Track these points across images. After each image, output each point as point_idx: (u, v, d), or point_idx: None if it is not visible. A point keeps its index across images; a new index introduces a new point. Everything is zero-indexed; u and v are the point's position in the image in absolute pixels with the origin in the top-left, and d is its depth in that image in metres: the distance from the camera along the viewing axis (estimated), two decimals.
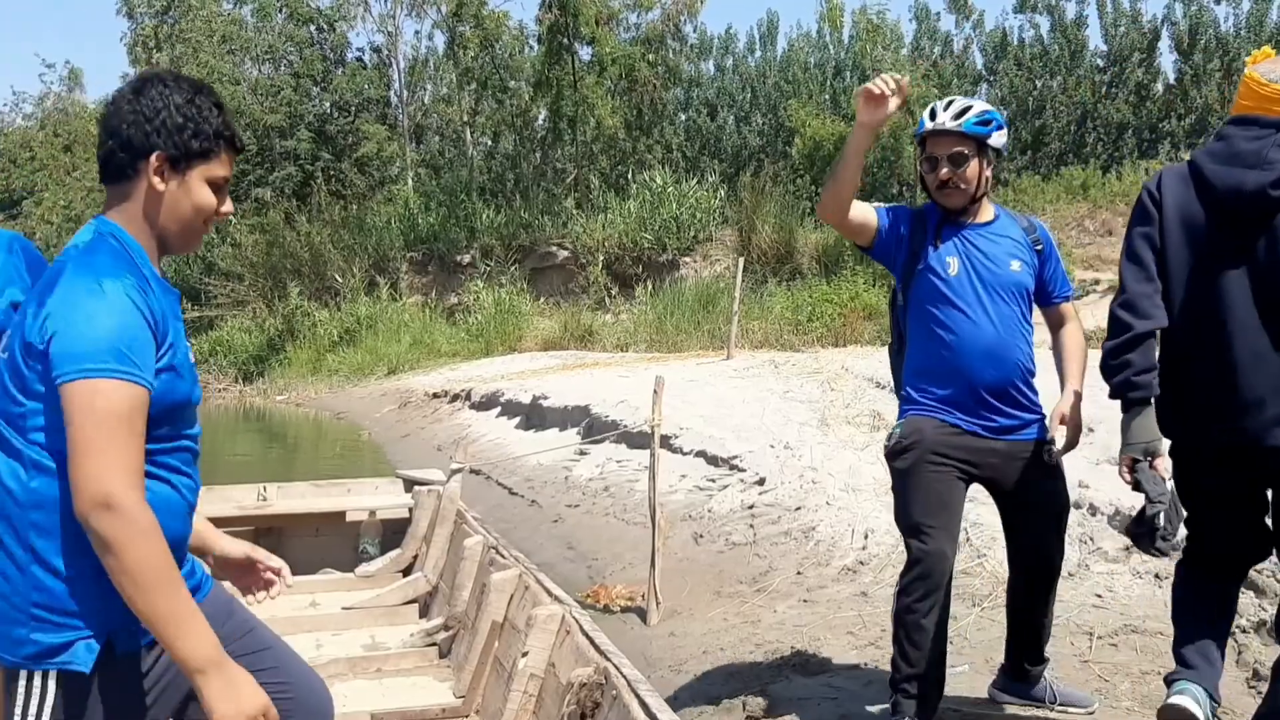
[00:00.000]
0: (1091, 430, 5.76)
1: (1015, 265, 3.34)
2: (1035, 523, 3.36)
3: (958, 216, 3.37)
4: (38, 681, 1.90)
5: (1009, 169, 21.22)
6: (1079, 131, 21.76)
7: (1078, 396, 3.35)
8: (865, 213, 3.34)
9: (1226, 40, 21.34)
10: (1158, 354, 2.87)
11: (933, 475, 3.24)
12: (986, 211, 3.42)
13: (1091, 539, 4.88)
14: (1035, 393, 3.38)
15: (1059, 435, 3.32)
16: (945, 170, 3.29)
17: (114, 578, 1.83)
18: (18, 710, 1.90)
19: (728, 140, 25.85)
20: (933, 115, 3.33)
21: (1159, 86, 22.18)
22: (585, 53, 24.37)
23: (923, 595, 3.18)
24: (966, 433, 3.28)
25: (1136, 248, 2.90)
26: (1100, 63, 22.57)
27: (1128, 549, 4.69)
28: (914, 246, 3.36)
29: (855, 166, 3.22)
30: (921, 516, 3.22)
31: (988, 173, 3.33)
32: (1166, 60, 22.53)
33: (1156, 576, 4.41)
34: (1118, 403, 2.89)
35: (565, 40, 23.77)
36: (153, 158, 2.00)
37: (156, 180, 2.02)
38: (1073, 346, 3.47)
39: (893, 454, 3.35)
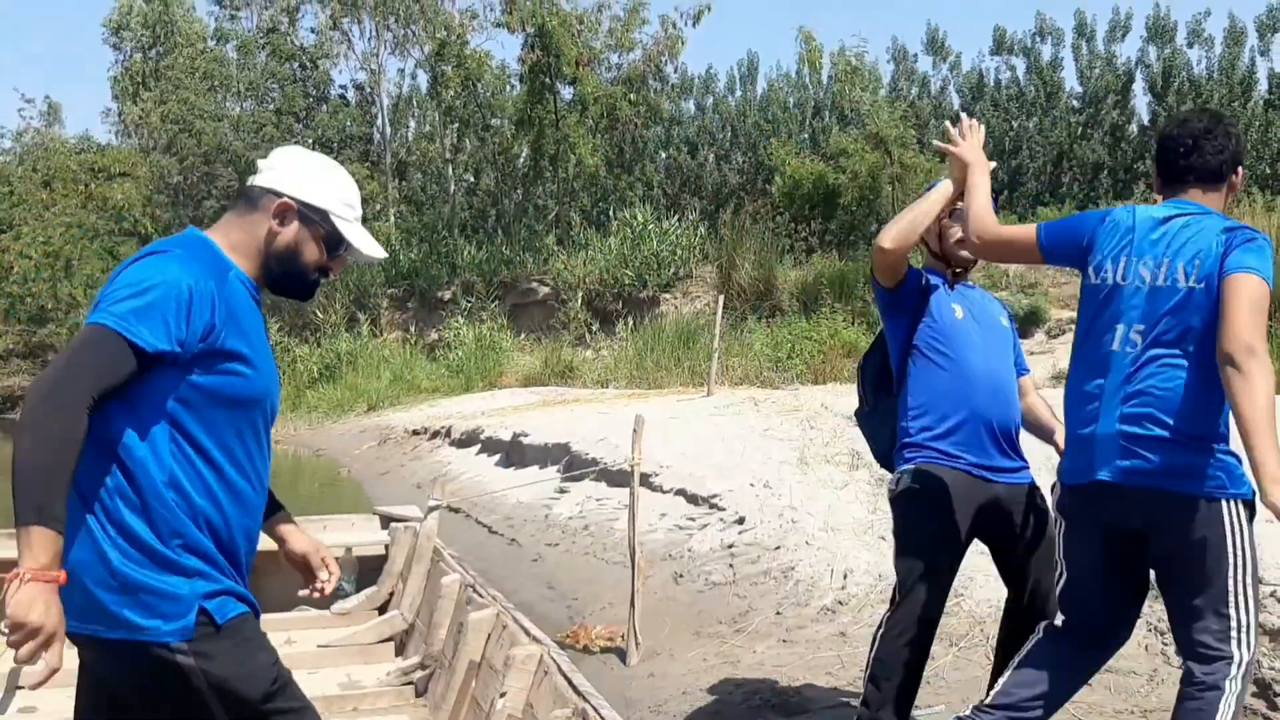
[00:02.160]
0: None
1: (1004, 322, 3.57)
2: (1038, 565, 3.39)
3: (957, 279, 3.55)
4: None
5: None
6: (1055, 171, 22.04)
7: None
8: (905, 257, 3.47)
9: (1199, 83, 21.69)
10: None
11: (937, 524, 3.28)
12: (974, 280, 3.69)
13: None
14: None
15: None
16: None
17: None
18: None
19: (708, 178, 26.02)
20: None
21: (1133, 128, 22.51)
22: (567, 92, 24.55)
23: (912, 639, 3.20)
24: (973, 478, 3.31)
25: None
26: (1076, 104, 22.91)
27: None
28: (924, 297, 3.46)
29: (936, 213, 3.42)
30: (923, 560, 3.26)
31: None
32: (1141, 102, 22.90)
33: None
34: None
35: (547, 80, 23.94)
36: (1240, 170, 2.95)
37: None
38: (1042, 408, 3.66)
39: (899, 497, 3.37)
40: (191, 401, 2.11)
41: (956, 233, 3.44)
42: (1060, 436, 3.40)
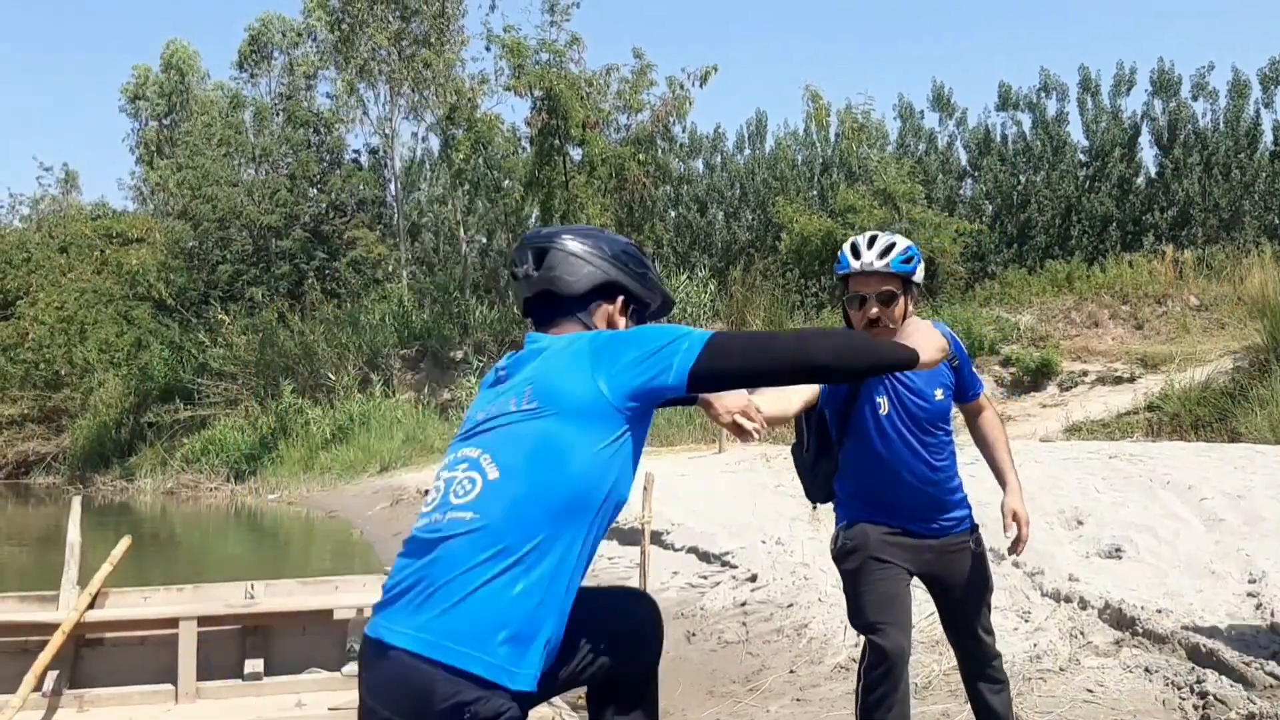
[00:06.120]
0: (1080, 524, 5.75)
1: (939, 394, 3.41)
2: (968, 606, 3.48)
3: None
4: None
5: (995, 262, 21.49)
6: (1063, 224, 22.09)
7: (1019, 488, 3.51)
8: (808, 396, 3.40)
9: (1205, 135, 21.82)
10: None
11: (880, 574, 3.33)
12: None
13: (1082, 633, 4.85)
14: (960, 491, 3.50)
15: (1011, 532, 3.44)
16: (875, 310, 3.29)
17: None
18: None
19: (718, 236, 26.18)
20: (856, 253, 3.32)
21: (1141, 180, 22.60)
22: (576, 153, 24.79)
23: (888, 689, 3.23)
24: (906, 532, 3.40)
25: None
26: (1083, 157, 23.01)
27: (1118, 643, 4.67)
28: (851, 389, 3.39)
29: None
30: (875, 614, 3.29)
31: (911, 308, 3.36)
32: (1147, 155, 22.99)
33: (1147, 671, 4.38)
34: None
35: (556, 142, 24.19)
36: None
37: None
38: (997, 435, 3.62)
39: (840, 556, 3.45)
40: None
41: (863, 317, 3.31)
42: (1011, 482, 3.49)
